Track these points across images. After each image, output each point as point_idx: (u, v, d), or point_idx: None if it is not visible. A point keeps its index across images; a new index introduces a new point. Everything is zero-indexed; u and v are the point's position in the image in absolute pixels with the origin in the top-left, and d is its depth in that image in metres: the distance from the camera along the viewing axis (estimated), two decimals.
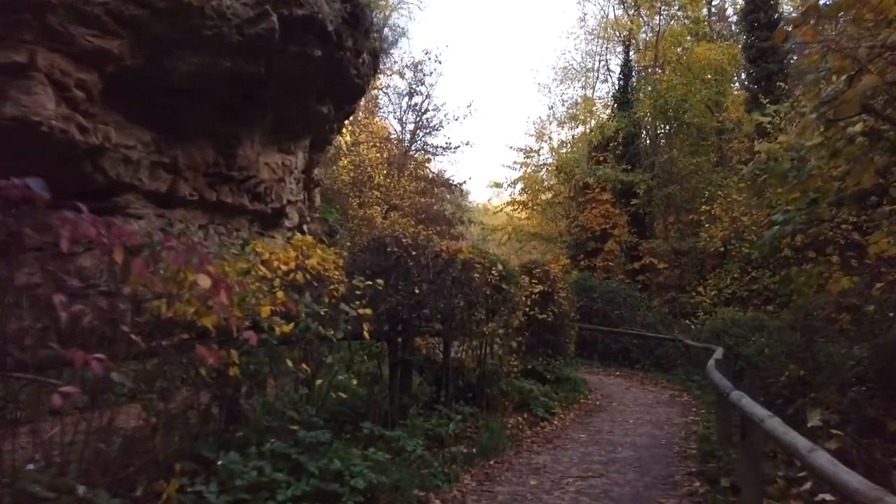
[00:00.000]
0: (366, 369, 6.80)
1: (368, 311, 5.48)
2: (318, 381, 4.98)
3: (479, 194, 70.49)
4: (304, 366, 4.68)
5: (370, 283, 5.87)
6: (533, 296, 10.24)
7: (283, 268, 4.90)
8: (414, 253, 6.58)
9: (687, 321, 18.11)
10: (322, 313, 4.95)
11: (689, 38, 25.96)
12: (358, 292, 5.72)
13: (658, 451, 7.18)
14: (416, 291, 6.55)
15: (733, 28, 28.21)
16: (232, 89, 9.69)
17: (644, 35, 27.98)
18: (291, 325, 4.70)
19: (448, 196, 32.34)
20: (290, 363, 4.52)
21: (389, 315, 6.71)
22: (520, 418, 8.34)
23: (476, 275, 7.60)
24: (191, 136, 9.76)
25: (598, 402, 10.85)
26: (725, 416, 7.09)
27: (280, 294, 4.70)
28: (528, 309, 9.87)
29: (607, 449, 7.21)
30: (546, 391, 9.74)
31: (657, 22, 27.13)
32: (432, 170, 30.83)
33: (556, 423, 8.66)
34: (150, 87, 8.45)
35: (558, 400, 9.85)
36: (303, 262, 4.97)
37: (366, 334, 5.45)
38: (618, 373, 15.72)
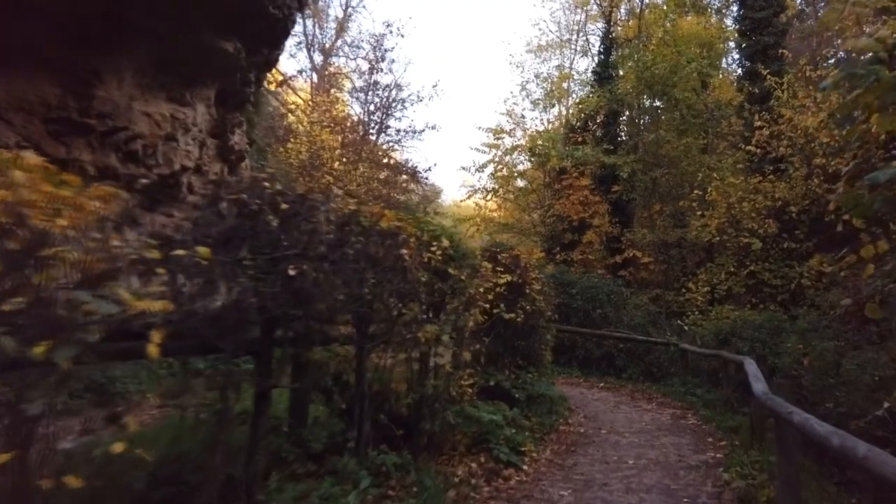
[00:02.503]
0: (213, 407, 4.10)
1: (161, 305, 2.80)
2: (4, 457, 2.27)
3: (452, 192, 67.31)
4: None
5: (188, 253, 3.21)
6: (497, 288, 7.61)
7: None
8: (286, 207, 3.88)
9: (679, 321, 15.68)
10: (7, 309, 2.24)
11: (673, 10, 23.70)
12: (160, 270, 3.07)
13: None
14: (291, 273, 3.86)
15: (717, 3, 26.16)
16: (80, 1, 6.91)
17: (626, 7, 25.65)
18: None
19: (413, 186, 29.73)
20: None
21: (262, 313, 4.05)
22: (473, 465, 5.71)
23: (405, 251, 4.96)
24: (15, 62, 6.93)
25: (581, 429, 8.27)
26: (793, 471, 4.52)
27: None
28: (489, 306, 7.25)
29: None
30: (513, 417, 7.15)
31: None
32: (396, 158, 28.12)
33: (526, 468, 6.04)
34: None
35: (530, 429, 7.28)
36: None
37: (152, 349, 2.75)
38: (602, 384, 13.18)
